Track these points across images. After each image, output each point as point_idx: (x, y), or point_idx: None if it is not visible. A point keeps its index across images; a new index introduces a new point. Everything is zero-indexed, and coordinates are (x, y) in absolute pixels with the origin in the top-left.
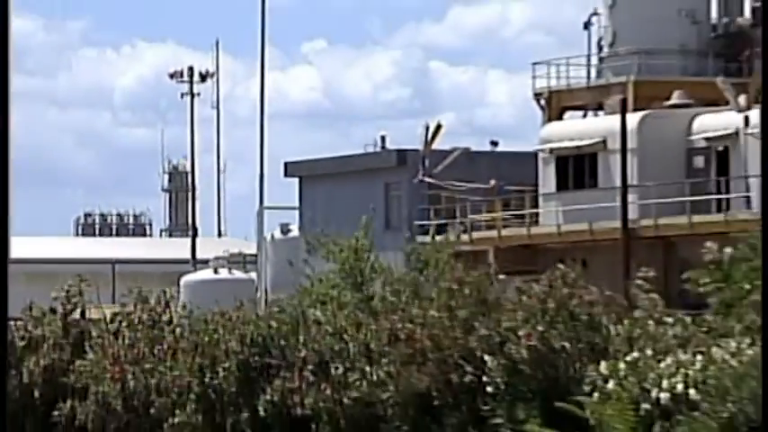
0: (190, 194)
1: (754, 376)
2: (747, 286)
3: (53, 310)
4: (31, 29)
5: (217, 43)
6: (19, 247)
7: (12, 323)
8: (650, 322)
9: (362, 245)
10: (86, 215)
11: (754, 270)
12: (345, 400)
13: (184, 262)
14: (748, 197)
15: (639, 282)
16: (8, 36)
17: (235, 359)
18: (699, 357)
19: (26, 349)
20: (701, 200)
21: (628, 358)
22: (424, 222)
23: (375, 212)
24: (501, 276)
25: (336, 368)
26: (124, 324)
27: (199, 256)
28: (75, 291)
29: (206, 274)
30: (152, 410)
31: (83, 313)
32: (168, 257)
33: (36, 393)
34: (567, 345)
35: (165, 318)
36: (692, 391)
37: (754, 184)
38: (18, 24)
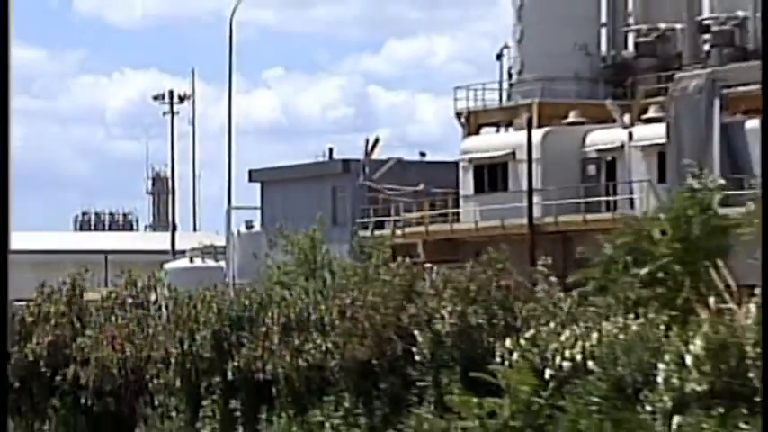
0: (170, 197)
1: (640, 346)
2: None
3: (59, 290)
4: (36, 58)
5: (193, 71)
6: (26, 241)
7: (22, 303)
8: (549, 302)
9: (318, 237)
10: (83, 213)
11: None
12: (300, 367)
13: (165, 252)
14: (632, 199)
15: (541, 269)
16: (8, 37)
17: (209, 330)
18: (594, 332)
19: (34, 324)
20: (593, 201)
21: (527, 334)
22: (364, 220)
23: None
24: (428, 265)
25: (294, 339)
26: (118, 302)
27: (177, 247)
28: (80, 277)
29: (183, 262)
30: (141, 373)
31: (81, 294)
32: (152, 249)
33: (42, 362)
34: (482, 322)
35: (153, 297)
36: (589, 363)
37: (637, 188)
38: (26, 54)
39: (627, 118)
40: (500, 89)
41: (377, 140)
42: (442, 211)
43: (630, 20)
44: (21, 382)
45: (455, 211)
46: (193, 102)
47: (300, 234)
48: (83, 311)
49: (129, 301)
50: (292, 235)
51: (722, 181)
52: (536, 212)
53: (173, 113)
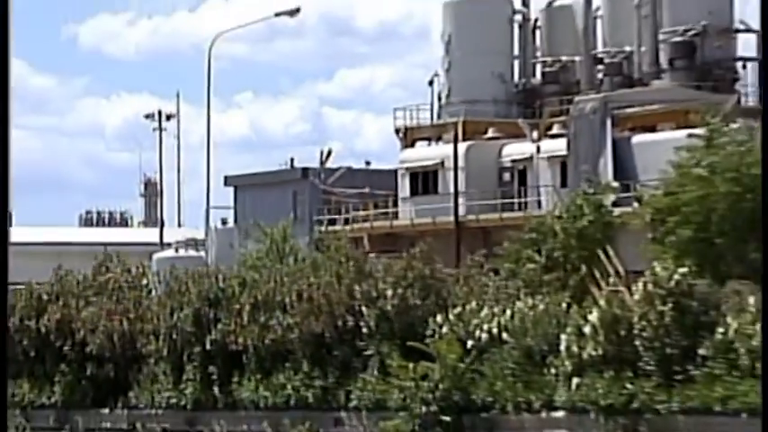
0: (158, 198)
1: (545, 321)
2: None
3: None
4: (49, 84)
5: (177, 94)
6: (40, 234)
7: (38, 285)
8: (473, 285)
9: (289, 230)
10: (87, 212)
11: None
12: (266, 339)
13: (155, 244)
14: (539, 200)
15: (469, 261)
16: (8, 37)
17: (191, 308)
18: (508, 310)
19: (49, 302)
20: (508, 202)
21: (454, 312)
22: (320, 218)
23: (286, 213)
24: (372, 255)
25: (261, 316)
26: (116, 284)
27: (165, 240)
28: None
29: (170, 252)
30: (134, 344)
31: (85, 277)
32: (144, 241)
33: (53, 335)
34: (418, 301)
35: (144, 282)
36: (504, 335)
37: (543, 191)
38: (40, 81)
39: (535, 134)
40: (431, 110)
41: (330, 152)
42: (384, 210)
43: (538, 53)
44: (35, 352)
45: (394, 210)
46: (178, 120)
47: (272, 228)
48: (87, 291)
49: (125, 283)
50: (266, 229)
51: (615, 185)
52: (461, 211)
53: (161, 129)
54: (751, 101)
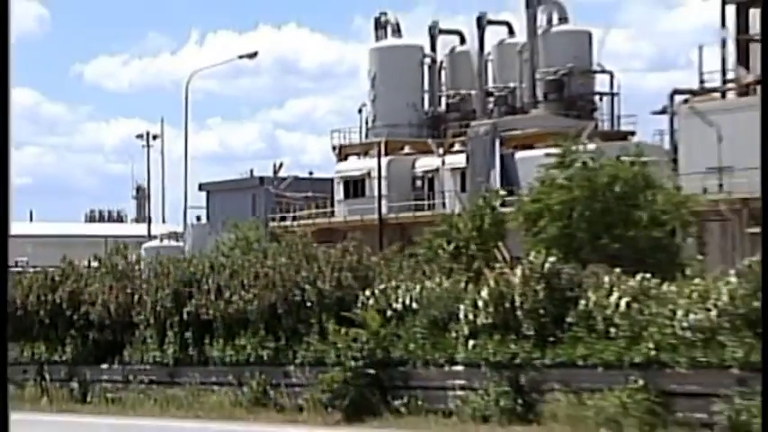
0: (147, 200)
1: (448, 295)
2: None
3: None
4: (61, 110)
5: (162, 119)
6: (52, 228)
7: (52, 268)
8: (392, 268)
9: (260, 226)
10: (90, 211)
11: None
12: (230, 310)
13: (144, 236)
14: (444, 202)
15: (389, 249)
16: (8, 37)
17: (172, 286)
18: (426, 284)
19: (60, 282)
20: (420, 204)
21: (378, 288)
22: (273, 216)
23: (247, 212)
24: (314, 245)
25: (226, 292)
26: (114, 269)
27: (152, 233)
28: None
29: (156, 242)
30: (129, 313)
31: (89, 263)
32: (135, 234)
33: (64, 305)
34: (350, 281)
35: (137, 267)
36: (414, 304)
37: (447, 195)
38: (53, 108)
39: (441, 151)
40: (360, 132)
41: (281, 165)
42: (323, 210)
43: (443, 88)
44: (50, 320)
45: (331, 210)
46: (162, 139)
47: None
48: (90, 272)
49: (121, 266)
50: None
51: (502, 192)
52: (383, 211)
53: (149, 147)
54: (606, 126)
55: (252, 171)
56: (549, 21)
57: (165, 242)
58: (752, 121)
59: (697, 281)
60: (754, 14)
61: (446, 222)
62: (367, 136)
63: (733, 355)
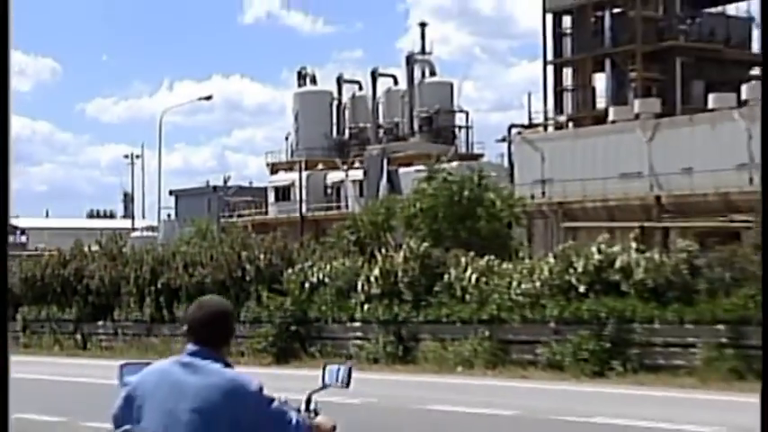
0: (132, 203)
1: (349, 271)
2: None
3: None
4: (68, 138)
5: (142, 144)
6: (64, 222)
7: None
8: (309, 252)
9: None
10: (90, 210)
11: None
12: (191, 282)
13: (130, 229)
14: (347, 204)
15: (307, 239)
16: (8, 37)
17: (149, 265)
18: (334, 264)
19: (69, 261)
20: (332, 205)
21: (297, 267)
22: (222, 214)
23: (205, 212)
24: (253, 235)
25: (189, 269)
26: (108, 252)
27: (136, 227)
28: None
29: (138, 234)
30: (118, 284)
31: (90, 248)
32: (123, 227)
33: (71, 277)
34: (278, 261)
35: (125, 251)
36: (325, 278)
37: (351, 199)
38: (63, 136)
39: (345, 167)
40: (286, 153)
41: (229, 177)
42: (259, 210)
43: (347, 122)
44: (61, 288)
45: (265, 210)
46: (142, 158)
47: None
48: (91, 254)
49: (113, 251)
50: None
51: (389, 197)
52: (303, 211)
53: (133, 164)
54: (463, 149)
55: (207, 182)
56: (423, 74)
57: (145, 233)
58: (565, 147)
59: (526, 261)
60: (567, 72)
61: (348, 219)
62: (291, 156)
63: (551, 313)
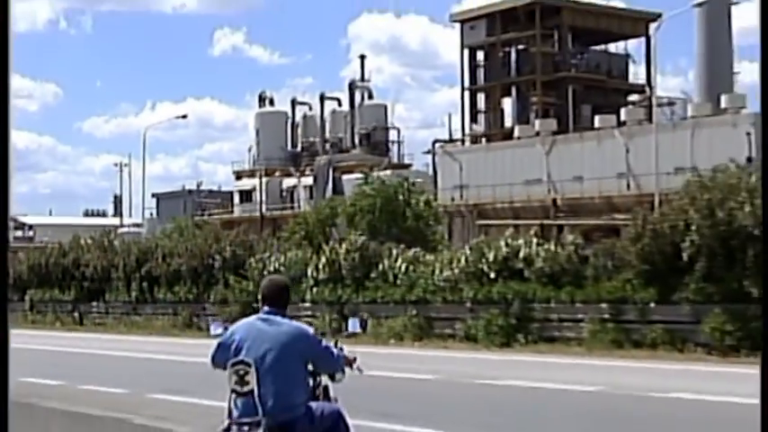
0: (120, 204)
1: (301, 261)
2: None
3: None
4: (68, 150)
5: (129, 154)
6: (65, 220)
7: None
8: (267, 245)
9: (189, 221)
10: (86, 210)
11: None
12: (170, 270)
13: (119, 225)
14: (300, 205)
15: (266, 234)
16: (8, 37)
17: (134, 256)
18: (287, 255)
19: (68, 251)
20: (286, 206)
21: (257, 257)
22: (196, 213)
23: (182, 212)
24: (221, 231)
25: (168, 259)
26: (101, 245)
27: (124, 224)
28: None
29: (126, 230)
30: (109, 270)
31: (86, 241)
32: (113, 224)
33: (69, 266)
34: (242, 252)
35: (115, 244)
36: (282, 268)
37: (302, 201)
38: (63, 148)
39: (298, 174)
40: (249, 162)
41: (201, 182)
42: (227, 209)
43: (299, 137)
44: (62, 275)
45: (231, 209)
46: (130, 166)
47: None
48: (87, 246)
49: (105, 243)
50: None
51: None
52: (263, 210)
53: (121, 171)
54: (395, 160)
55: (183, 186)
56: (362, 98)
57: (131, 229)
58: (479, 158)
59: (446, 252)
60: (480, 97)
61: (300, 217)
62: (253, 165)
63: (467, 295)
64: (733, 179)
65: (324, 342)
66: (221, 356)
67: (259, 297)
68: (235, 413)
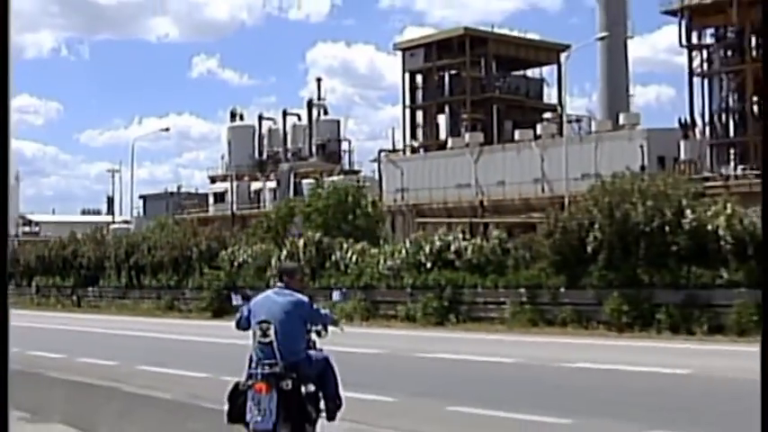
0: (112, 204)
1: (266, 253)
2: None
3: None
4: (68, 158)
5: (120, 161)
6: (64, 218)
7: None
8: (237, 239)
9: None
10: (83, 209)
11: (261, 223)
12: (154, 260)
13: (111, 222)
14: (265, 205)
15: (237, 230)
16: (8, 38)
17: (124, 248)
18: (254, 248)
19: (68, 244)
20: (253, 206)
21: (229, 250)
22: (176, 212)
23: (164, 211)
24: (198, 227)
25: (153, 251)
26: (95, 239)
27: (116, 221)
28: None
29: (117, 226)
30: (102, 260)
31: (83, 236)
32: (107, 221)
33: (69, 256)
34: (215, 245)
35: (108, 238)
36: (250, 259)
37: (267, 202)
38: (65, 156)
39: (264, 179)
40: (222, 169)
41: (180, 186)
42: (203, 209)
43: (265, 147)
44: (62, 264)
45: (207, 209)
46: (120, 172)
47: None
48: (82, 239)
49: (99, 238)
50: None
51: (294, 200)
52: (234, 209)
53: (113, 176)
54: (347, 167)
55: (166, 189)
56: (319, 114)
57: (121, 226)
58: (418, 165)
59: (389, 246)
60: (419, 114)
61: (265, 216)
62: (225, 171)
63: (407, 282)
64: (627, 185)
65: (315, 305)
66: (245, 321)
67: (275, 275)
68: (256, 358)
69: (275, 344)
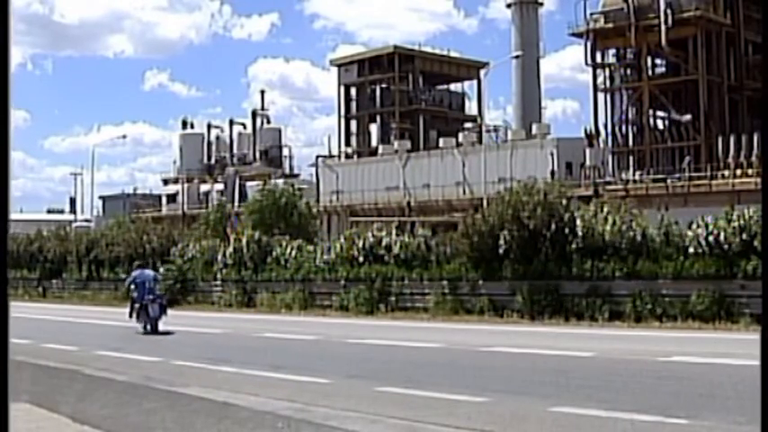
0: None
1: (212, 249)
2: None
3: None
4: (35, 162)
5: (82, 166)
6: (31, 216)
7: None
8: (187, 236)
9: (128, 218)
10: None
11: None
12: (111, 256)
13: (73, 221)
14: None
15: (187, 228)
16: (8, 37)
17: (84, 244)
18: (202, 244)
19: (33, 240)
20: (201, 207)
21: (179, 246)
22: (131, 212)
23: (122, 211)
24: (152, 226)
25: (109, 247)
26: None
27: (78, 219)
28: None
29: (78, 224)
30: (65, 255)
31: (48, 233)
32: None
33: (36, 251)
34: (166, 242)
35: (70, 235)
36: (198, 254)
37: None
38: (31, 160)
39: (212, 182)
40: (174, 172)
41: (136, 188)
42: (157, 209)
43: (213, 152)
44: (29, 258)
45: (160, 209)
46: (82, 176)
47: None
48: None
49: (63, 234)
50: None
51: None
52: (185, 209)
53: (76, 179)
54: (287, 171)
55: (123, 190)
56: (262, 122)
57: (83, 224)
58: (351, 170)
59: (323, 242)
60: (353, 123)
61: (211, 215)
62: (177, 174)
63: (341, 275)
64: (533, 190)
65: (160, 277)
66: (132, 282)
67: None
68: (139, 295)
69: (147, 288)
